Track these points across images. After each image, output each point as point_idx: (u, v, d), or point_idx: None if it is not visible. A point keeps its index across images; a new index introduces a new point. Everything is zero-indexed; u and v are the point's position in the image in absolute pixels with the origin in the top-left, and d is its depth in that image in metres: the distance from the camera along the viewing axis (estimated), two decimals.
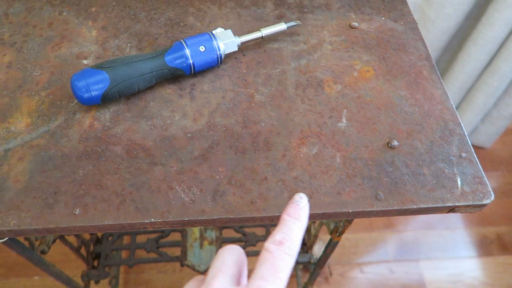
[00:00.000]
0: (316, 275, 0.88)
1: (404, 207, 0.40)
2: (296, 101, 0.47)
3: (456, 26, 1.01)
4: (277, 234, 0.28)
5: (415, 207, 0.41)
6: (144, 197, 0.39)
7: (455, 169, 0.43)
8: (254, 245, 0.98)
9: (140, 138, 0.43)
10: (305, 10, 0.56)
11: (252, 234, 0.99)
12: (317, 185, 0.41)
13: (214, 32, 0.48)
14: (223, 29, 0.49)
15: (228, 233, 1.05)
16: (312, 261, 0.96)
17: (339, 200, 0.40)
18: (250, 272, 0.27)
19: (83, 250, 0.89)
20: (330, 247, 0.71)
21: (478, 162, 0.44)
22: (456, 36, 1.07)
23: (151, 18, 0.54)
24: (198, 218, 0.38)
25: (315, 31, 0.54)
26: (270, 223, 0.93)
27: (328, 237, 0.68)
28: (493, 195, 0.42)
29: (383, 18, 0.56)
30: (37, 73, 0.47)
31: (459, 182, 0.42)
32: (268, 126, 0.45)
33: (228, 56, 0.50)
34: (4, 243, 0.48)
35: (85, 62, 0.49)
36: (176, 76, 0.47)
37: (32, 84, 0.46)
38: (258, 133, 0.44)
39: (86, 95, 0.42)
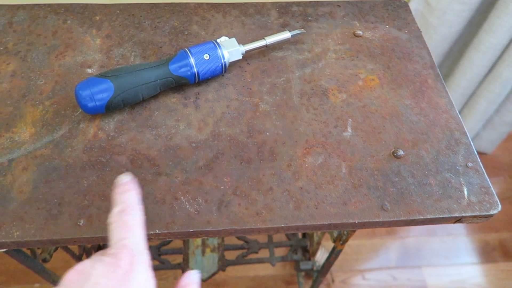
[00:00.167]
0: (319, 282, 0.87)
1: (411, 218, 0.40)
2: (301, 110, 0.47)
3: (457, 32, 1.01)
4: (115, 209, 0.31)
5: (422, 217, 0.40)
6: (149, 208, 0.39)
7: (461, 179, 0.43)
8: (256, 252, 0.98)
9: (144, 147, 0.43)
10: (309, 18, 0.56)
11: (254, 242, 0.98)
12: (323, 195, 0.41)
13: (218, 40, 0.48)
14: (227, 38, 0.49)
15: (230, 240, 1.04)
16: (314, 268, 0.95)
17: (345, 210, 0.40)
18: None
19: (84, 258, 0.89)
20: (333, 255, 0.71)
21: (485, 172, 0.43)
22: (457, 43, 1.07)
23: (155, 27, 0.54)
24: (204, 230, 0.38)
25: (319, 39, 0.54)
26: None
27: (330, 243, 0.68)
28: (500, 205, 0.41)
29: (387, 27, 0.56)
30: (41, 82, 0.47)
31: (465, 192, 0.42)
32: (273, 135, 0.45)
33: (233, 64, 0.50)
34: (5, 251, 0.48)
35: (89, 71, 0.49)
36: (181, 84, 0.47)
37: (36, 93, 0.46)
38: (263, 143, 0.44)
39: (90, 104, 0.42)
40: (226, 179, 0.41)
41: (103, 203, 0.39)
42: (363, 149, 0.44)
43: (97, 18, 0.54)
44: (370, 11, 0.58)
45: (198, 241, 0.95)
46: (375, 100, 0.48)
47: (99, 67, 0.49)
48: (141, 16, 0.55)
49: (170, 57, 0.46)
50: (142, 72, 0.44)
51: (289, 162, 0.43)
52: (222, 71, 0.48)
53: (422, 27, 1.01)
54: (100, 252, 0.29)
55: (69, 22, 0.54)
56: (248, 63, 0.51)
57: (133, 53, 0.51)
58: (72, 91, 0.46)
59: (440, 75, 0.51)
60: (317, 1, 0.58)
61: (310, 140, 0.45)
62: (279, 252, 1.13)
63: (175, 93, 0.48)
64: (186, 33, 0.54)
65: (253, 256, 0.97)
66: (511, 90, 1.13)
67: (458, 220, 0.41)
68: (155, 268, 0.95)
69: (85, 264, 0.27)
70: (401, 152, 0.44)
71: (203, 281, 0.91)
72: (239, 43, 0.49)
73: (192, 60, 0.45)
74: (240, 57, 0.49)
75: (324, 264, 0.76)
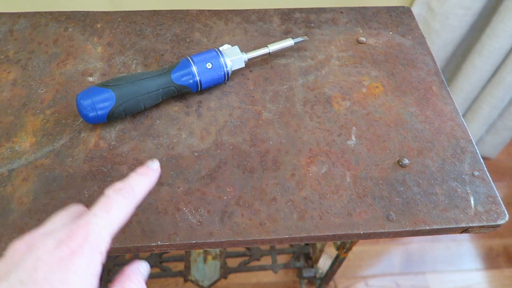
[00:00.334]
0: None
1: (417, 228, 0.39)
2: (305, 118, 0.46)
3: (460, 37, 1.00)
4: (119, 183, 0.30)
5: (428, 228, 0.40)
6: (151, 218, 0.38)
7: (467, 188, 0.42)
8: (258, 260, 0.97)
9: (146, 157, 0.42)
10: (312, 25, 0.56)
11: (257, 249, 0.97)
12: (327, 205, 0.40)
13: (221, 48, 0.47)
14: (230, 46, 0.48)
15: (232, 247, 1.03)
16: (317, 275, 0.95)
17: (350, 221, 0.39)
18: None
19: None
20: (337, 263, 0.70)
21: (491, 181, 0.43)
22: (460, 47, 1.06)
23: (157, 34, 0.54)
24: (206, 241, 0.38)
25: (322, 46, 0.54)
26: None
27: (333, 250, 0.67)
28: (507, 215, 0.41)
29: (390, 33, 0.56)
30: (42, 91, 0.47)
31: (472, 202, 0.41)
32: (276, 144, 0.44)
33: (235, 72, 0.50)
34: None
35: (90, 79, 0.48)
36: (183, 93, 0.47)
37: (37, 102, 0.46)
38: (266, 152, 0.43)
39: (91, 114, 0.41)
40: (229, 189, 0.41)
41: None
42: (368, 158, 0.44)
43: (99, 25, 0.54)
44: (373, 17, 0.58)
45: None
46: (379, 107, 0.48)
47: (101, 75, 0.49)
48: (142, 23, 0.55)
49: (172, 65, 0.45)
50: (144, 81, 0.43)
51: (293, 172, 0.42)
52: (225, 79, 0.47)
53: (424, 32, 1.00)
54: (60, 219, 0.29)
55: (70, 30, 0.53)
56: (250, 70, 0.51)
57: (134, 61, 0.50)
58: (73, 100, 0.46)
59: (445, 81, 0.51)
60: (320, 8, 0.58)
61: (313, 148, 0.44)
62: (282, 259, 1.12)
63: (177, 101, 0.47)
64: (188, 40, 0.53)
65: (255, 263, 0.97)
66: None
67: (465, 230, 0.41)
68: (156, 276, 0.95)
69: (35, 236, 0.27)
70: (406, 161, 0.43)
71: None
72: (241, 51, 0.48)
73: (194, 69, 0.45)
74: (243, 65, 0.48)
75: (327, 272, 0.76)
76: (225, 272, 0.92)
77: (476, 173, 0.43)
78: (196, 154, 0.43)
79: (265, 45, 0.50)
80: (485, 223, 0.40)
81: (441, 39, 0.99)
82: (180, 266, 1.03)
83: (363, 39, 0.54)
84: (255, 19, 0.56)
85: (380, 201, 0.41)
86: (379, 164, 0.43)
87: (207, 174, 0.42)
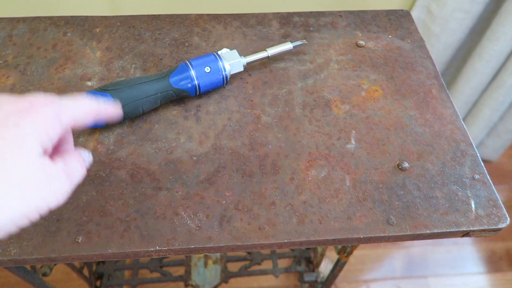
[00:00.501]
0: None
1: (417, 232, 0.39)
2: (304, 122, 0.46)
3: (460, 40, 1.00)
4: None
5: (428, 232, 0.39)
6: (149, 223, 0.38)
7: (468, 192, 0.42)
8: (259, 264, 0.96)
9: (144, 161, 0.42)
10: (311, 28, 0.56)
11: (257, 253, 0.97)
12: (327, 209, 0.40)
13: (219, 52, 0.47)
14: (228, 50, 0.48)
15: (233, 251, 1.03)
16: (319, 280, 0.94)
17: (349, 225, 0.39)
18: None
19: (85, 271, 0.88)
20: (338, 267, 0.69)
21: (492, 184, 0.42)
22: (460, 50, 1.06)
23: (155, 38, 0.54)
24: (205, 246, 0.37)
25: (321, 50, 0.54)
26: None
27: (334, 254, 0.67)
28: (508, 219, 0.40)
29: (389, 36, 0.56)
30: None
31: (473, 205, 0.41)
32: (275, 148, 0.44)
33: (234, 76, 0.49)
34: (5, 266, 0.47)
35: (89, 83, 0.48)
36: (181, 97, 0.46)
37: None
38: (265, 156, 0.43)
39: None
40: (227, 193, 0.40)
41: (103, 219, 0.38)
42: (367, 162, 0.43)
43: (97, 30, 0.54)
44: (372, 20, 0.57)
45: None
46: (378, 111, 0.48)
47: (99, 80, 0.49)
48: (141, 28, 0.55)
49: (171, 69, 0.45)
50: (142, 86, 0.43)
51: (292, 176, 0.42)
52: (223, 83, 0.47)
53: (424, 35, 1.00)
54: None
55: (69, 34, 0.53)
56: (249, 74, 0.51)
57: (133, 65, 0.50)
58: None
59: (444, 85, 0.51)
60: (319, 12, 0.58)
61: (313, 152, 0.44)
62: (283, 263, 1.12)
63: (175, 105, 0.47)
64: (187, 44, 0.53)
65: (256, 267, 0.96)
66: None
67: (466, 234, 0.40)
68: (157, 281, 0.94)
69: (7, 95, 0.28)
70: (406, 164, 0.43)
71: None
72: (240, 55, 0.48)
73: (192, 73, 0.45)
74: (242, 69, 0.48)
75: (328, 276, 0.75)
76: (226, 276, 0.92)
77: (477, 176, 0.43)
78: (195, 158, 0.43)
79: (264, 49, 0.50)
80: (486, 227, 0.40)
81: (440, 42, 0.99)
82: (180, 270, 1.03)
83: (362, 42, 0.54)
84: (254, 23, 0.56)
85: (380, 205, 0.40)
86: (378, 167, 0.43)
87: (206, 179, 0.41)
